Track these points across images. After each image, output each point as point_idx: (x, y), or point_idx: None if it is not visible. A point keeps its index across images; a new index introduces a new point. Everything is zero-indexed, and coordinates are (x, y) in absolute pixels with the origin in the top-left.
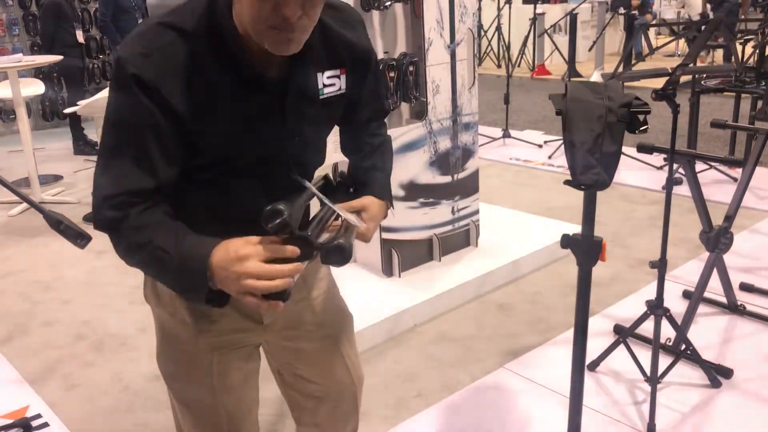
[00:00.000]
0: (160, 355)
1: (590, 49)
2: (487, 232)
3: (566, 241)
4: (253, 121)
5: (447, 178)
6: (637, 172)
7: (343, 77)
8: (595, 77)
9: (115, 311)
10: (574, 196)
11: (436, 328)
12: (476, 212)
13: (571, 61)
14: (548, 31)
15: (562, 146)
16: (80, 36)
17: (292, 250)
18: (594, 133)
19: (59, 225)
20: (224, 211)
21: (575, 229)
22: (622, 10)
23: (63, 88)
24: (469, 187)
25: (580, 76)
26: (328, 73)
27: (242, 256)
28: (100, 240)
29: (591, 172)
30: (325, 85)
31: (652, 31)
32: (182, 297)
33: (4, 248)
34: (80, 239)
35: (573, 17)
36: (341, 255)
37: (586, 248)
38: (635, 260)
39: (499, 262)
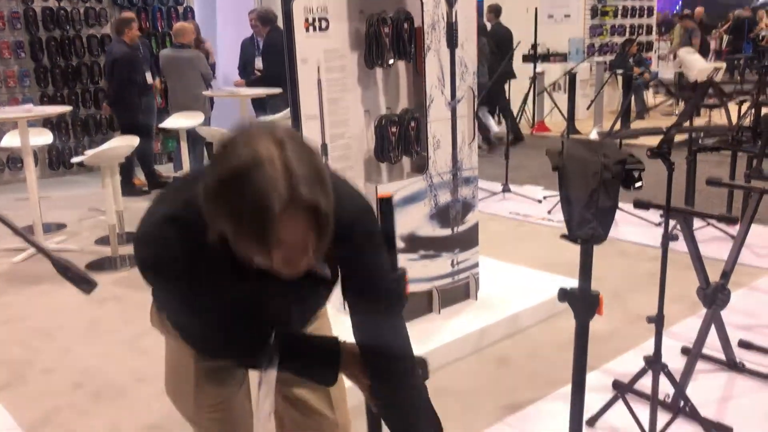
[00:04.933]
0: (170, 385)
1: (588, 107)
2: (487, 285)
3: (563, 295)
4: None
5: (447, 231)
6: (636, 228)
7: (326, 267)
8: (594, 135)
9: (115, 360)
10: (573, 251)
11: (435, 381)
12: (476, 265)
13: (570, 118)
14: (548, 89)
15: None
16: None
17: None
18: (590, 188)
19: (66, 271)
20: None
21: (574, 283)
22: (620, 71)
23: (71, 137)
24: (469, 240)
25: (579, 133)
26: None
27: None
28: (102, 288)
29: (587, 226)
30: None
31: (650, 91)
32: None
33: (6, 295)
34: (86, 285)
35: (572, 76)
36: None
37: (583, 302)
38: (634, 316)
39: (498, 316)
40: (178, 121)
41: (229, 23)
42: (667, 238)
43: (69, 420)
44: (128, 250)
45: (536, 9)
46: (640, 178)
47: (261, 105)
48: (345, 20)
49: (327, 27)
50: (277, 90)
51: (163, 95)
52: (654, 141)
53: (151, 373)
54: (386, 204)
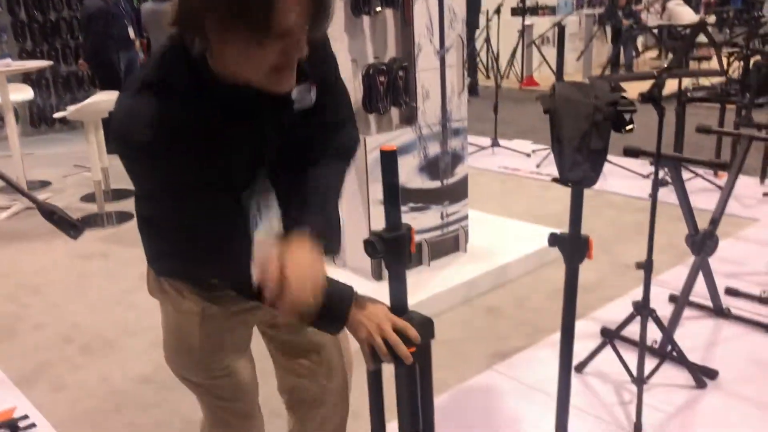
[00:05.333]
0: (169, 352)
1: (578, 59)
2: (476, 237)
3: (554, 240)
4: (241, 143)
5: (436, 183)
6: (624, 180)
7: (313, 90)
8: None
9: (103, 315)
10: (560, 204)
11: None
12: (465, 217)
13: (559, 72)
14: (536, 43)
15: (550, 155)
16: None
17: (415, 335)
18: (581, 130)
19: (52, 215)
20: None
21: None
22: (610, 22)
23: (52, 94)
24: (459, 192)
25: None
26: (296, 89)
27: (386, 321)
28: (89, 245)
29: (578, 168)
30: (296, 101)
31: (639, 44)
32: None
33: None
34: (73, 230)
35: (561, 29)
36: None
37: (573, 246)
38: (622, 266)
39: (487, 267)
40: None
41: None
42: (657, 183)
43: (60, 373)
44: (114, 206)
45: None
46: (631, 121)
47: None
48: None
49: None
50: None
51: (146, 52)
52: (641, 88)
53: (141, 327)
54: (390, 157)
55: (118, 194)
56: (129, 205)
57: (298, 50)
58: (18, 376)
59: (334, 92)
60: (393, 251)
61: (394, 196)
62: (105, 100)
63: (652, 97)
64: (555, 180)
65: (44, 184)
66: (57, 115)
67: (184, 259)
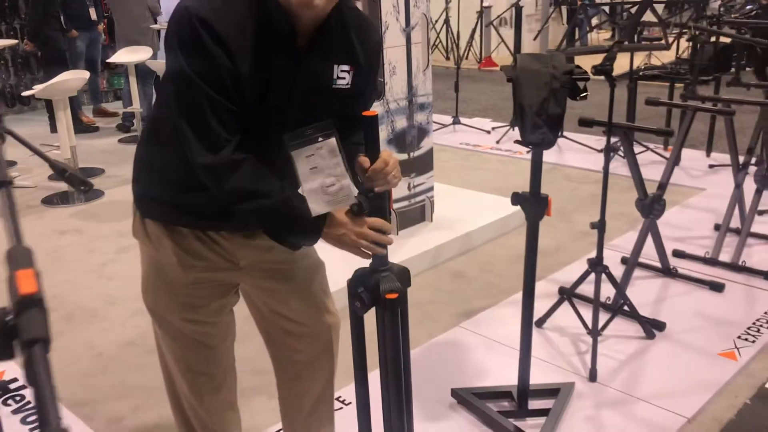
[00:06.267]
0: (146, 288)
1: (535, 38)
2: (441, 208)
3: (516, 199)
4: (276, 76)
5: (404, 156)
6: (579, 154)
7: (351, 74)
8: None
9: (82, 287)
10: (520, 177)
11: None
12: (431, 189)
13: (517, 52)
14: (494, 24)
15: (510, 132)
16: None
17: (387, 226)
18: (541, 97)
19: (64, 173)
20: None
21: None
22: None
23: (11, 75)
24: (425, 164)
25: None
26: (342, 67)
27: (360, 225)
28: (61, 221)
29: (538, 131)
30: (337, 77)
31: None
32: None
33: None
34: (83, 186)
35: (518, 10)
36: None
37: (533, 203)
38: (578, 233)
39: (452, 235)
40: (125, 56)
41: None
42: (609, 149)
43: None
44: None
45: None
46: (585, 89)
47: None
48: None
49: None
50: None
51: (107, 33)
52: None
53: (121, 296)
54: (372, 122)
55: (86, 173)
56: (96, 183)
57: None
58: None
59: (370, 87)
60: (377, 208)
61: (376, 159)
62: (73, 78)
63: (605, 70)
64: (517, 141)
65: (10, 164)
66: (26, 93)
67: (183, 186)
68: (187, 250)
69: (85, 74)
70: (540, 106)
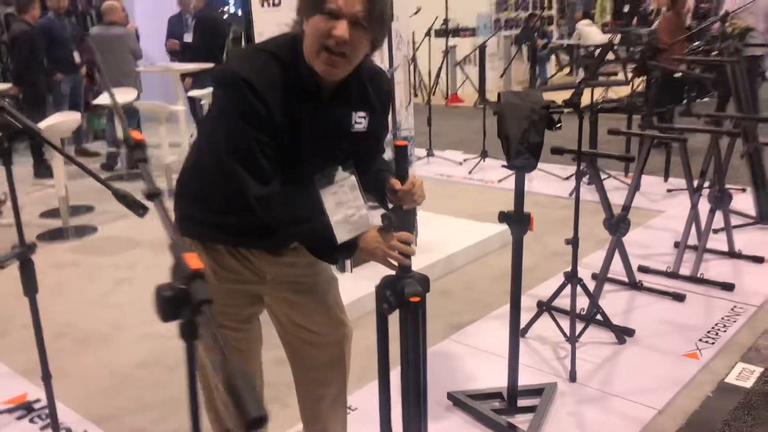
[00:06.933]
0: None
1: (501, 76)
2: (424, 233)
3: (502, 217)
4: (304, 123)
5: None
6: (548, 182)
7: (367, 119)
8: None
9: (90, 314)
10: (493, 204)
11: None
12: (414, 215)
13: (482, 89)
14: (460, 63)
15: (481, 163)
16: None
17: (411, 237)
18: (522, 128)
19: (125, 198)
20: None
21: (500, 228)
22: (527, 42)
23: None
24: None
25: (489, 102)
26: (359, 113)
27: (390, 239)
28: (58, 255)
29: (521, 157)
30: (355, 123)
31: (552, 65)
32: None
33: None
34: (140, 209)
35: (482, 50)
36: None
37: (518, 220)
38: (550, 253)
39: (436, 257)
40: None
41: (147, 1)
42: (580, 174)
43: (60, 363)
44: (77, 221)
45: None
46: (560, 121)
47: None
48: None
49: (279, 3)
50: (210, 65)
51: (88, 77)
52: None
53: (128, 322)
54: (402, 151)
55: (77, 210)
56: (88, 219)
57: (345, 42)
58: (20, 368)
59: (383, 127)
60: (404, 222)
61: (405, 180)
62: (66, 120)
63: (573, 103)
64: (504, 166)
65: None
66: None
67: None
68: (221, 265)
69: (77, 115)
70: (522, 135)
